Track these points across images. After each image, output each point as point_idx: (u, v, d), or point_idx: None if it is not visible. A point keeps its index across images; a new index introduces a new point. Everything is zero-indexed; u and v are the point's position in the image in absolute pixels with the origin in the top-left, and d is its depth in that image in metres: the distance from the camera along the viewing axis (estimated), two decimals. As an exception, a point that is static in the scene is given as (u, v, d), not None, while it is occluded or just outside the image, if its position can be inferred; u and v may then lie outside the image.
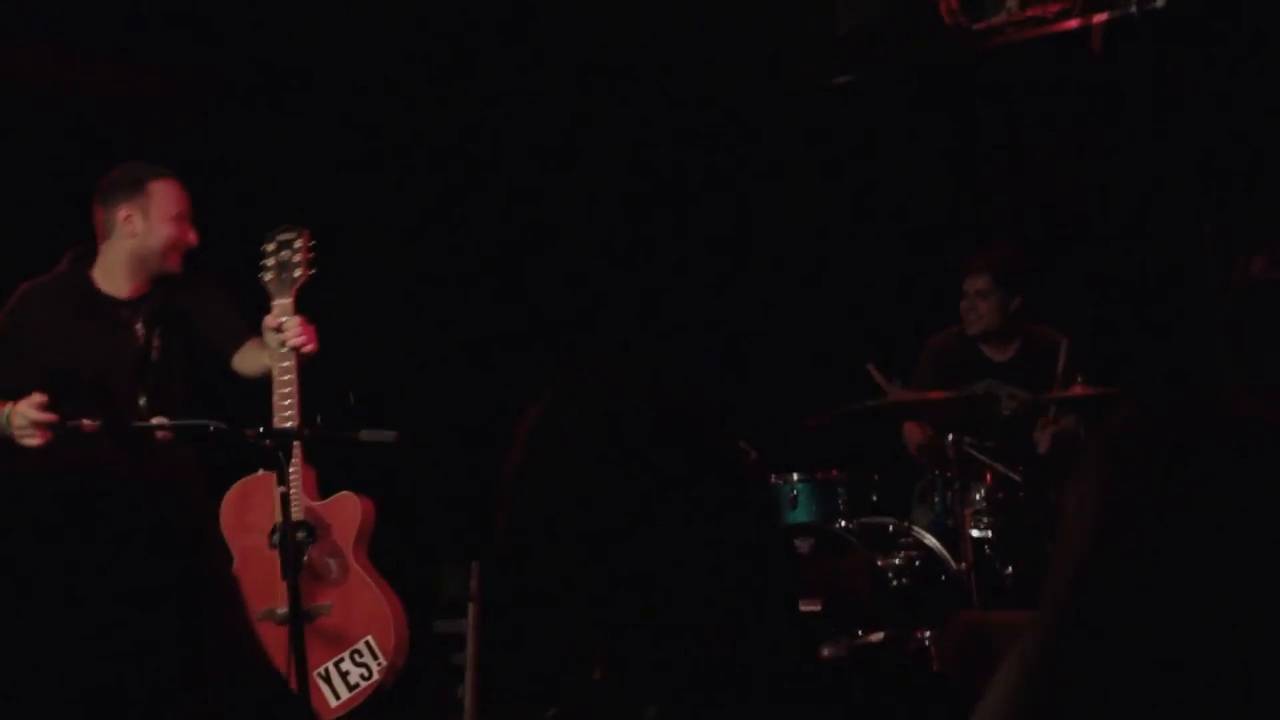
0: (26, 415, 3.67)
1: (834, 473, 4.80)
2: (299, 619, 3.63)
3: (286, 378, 3.76)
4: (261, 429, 3.70)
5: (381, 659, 3.84)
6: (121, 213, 3.89)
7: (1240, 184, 5.06)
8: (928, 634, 4.24)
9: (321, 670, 3.83)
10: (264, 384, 3.83)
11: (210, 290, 4.03)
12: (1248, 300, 4.74)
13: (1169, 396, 0.92)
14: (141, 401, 3.86)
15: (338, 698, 3.86)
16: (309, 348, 3.78)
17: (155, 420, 3.78)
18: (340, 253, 5.09)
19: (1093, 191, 5.50)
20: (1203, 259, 4.84)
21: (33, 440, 3.67)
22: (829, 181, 5.76)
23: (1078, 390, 4.53)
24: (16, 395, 3.72)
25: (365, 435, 3.73)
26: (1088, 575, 0.89)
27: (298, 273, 3.85)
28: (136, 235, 3.89)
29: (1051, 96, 5.50)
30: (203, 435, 3.76)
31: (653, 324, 5.55)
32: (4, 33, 4.76)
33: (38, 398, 3.67)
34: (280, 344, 3.78)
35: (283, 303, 3.84)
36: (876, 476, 4.78)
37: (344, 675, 3.86)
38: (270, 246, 3.89)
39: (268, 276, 3.86)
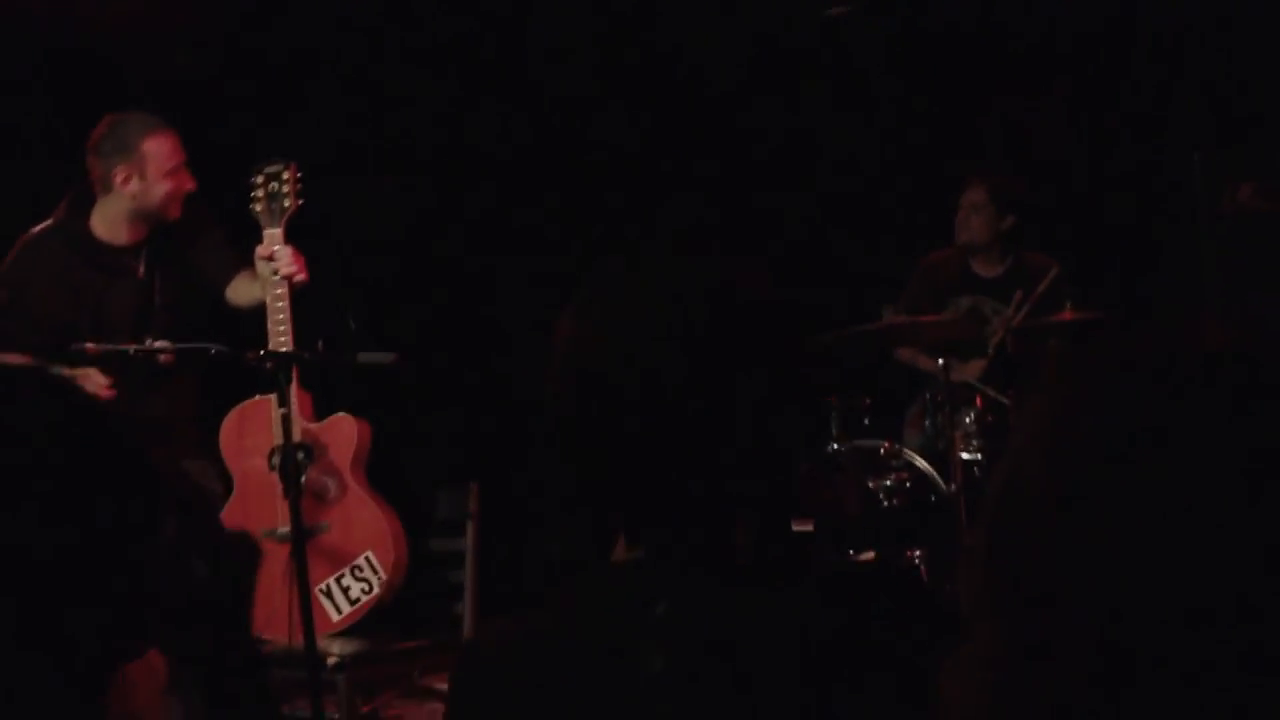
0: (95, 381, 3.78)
1: (827, 397, 4.85)
2: (301, 538, 3.69)
3: (280, 304, 3.83)
4: (262, 351, 3.77)
5: (381, 573, 3.91)
6: (118, 174, 3.93)
7: (1231, 113, 5.11)
8: (918, 553, 4.34)
9: (323, 586, 3.89)
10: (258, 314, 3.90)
11: (204, 225, 4.09)
12: (1234, 228, 4.78)
13: (1136, 321, 0.86)
14: (150, 344, 3.91)
15: (339, 612, 3.94)
16: (300, 277, 3.85)
17: (159, 344, 3.86)
18: (340, 179, 5.13)
19: (1086, 122, 5.55)
20: (1193, 187, 4.87)
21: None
22: (824, 110, 5.79)
23: (1066, 315, 4.60)
24: (31, 347, 3.83)
25: (364, 358, 3.79)
26: (1008, 488, 0.83)
27: (287, 203, 3.92)
28: (135, 196, 3.94)
29: (1045, 26, 5.53)
30: (204, 358, 3.86)
31: (652, 246, 5.58)
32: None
33: (100, 377, 3.79)
34: (273, 273, 3.85)
35: (273, 233, 3.90)
36: (869, 400, 4.83)
37: (345, 590, 3.94)
38: (259, 179, 3.95)
39: (258, 208, 3.92)
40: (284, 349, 3.77)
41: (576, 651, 1.28)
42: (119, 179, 3.93)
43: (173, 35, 5.03)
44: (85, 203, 4.00)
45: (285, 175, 3.94)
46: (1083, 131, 5.61)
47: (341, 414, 4.01)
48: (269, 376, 3.80)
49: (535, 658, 1.30)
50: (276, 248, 3.87)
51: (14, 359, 3.84)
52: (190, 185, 4.00)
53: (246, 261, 3.98)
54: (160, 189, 3.95)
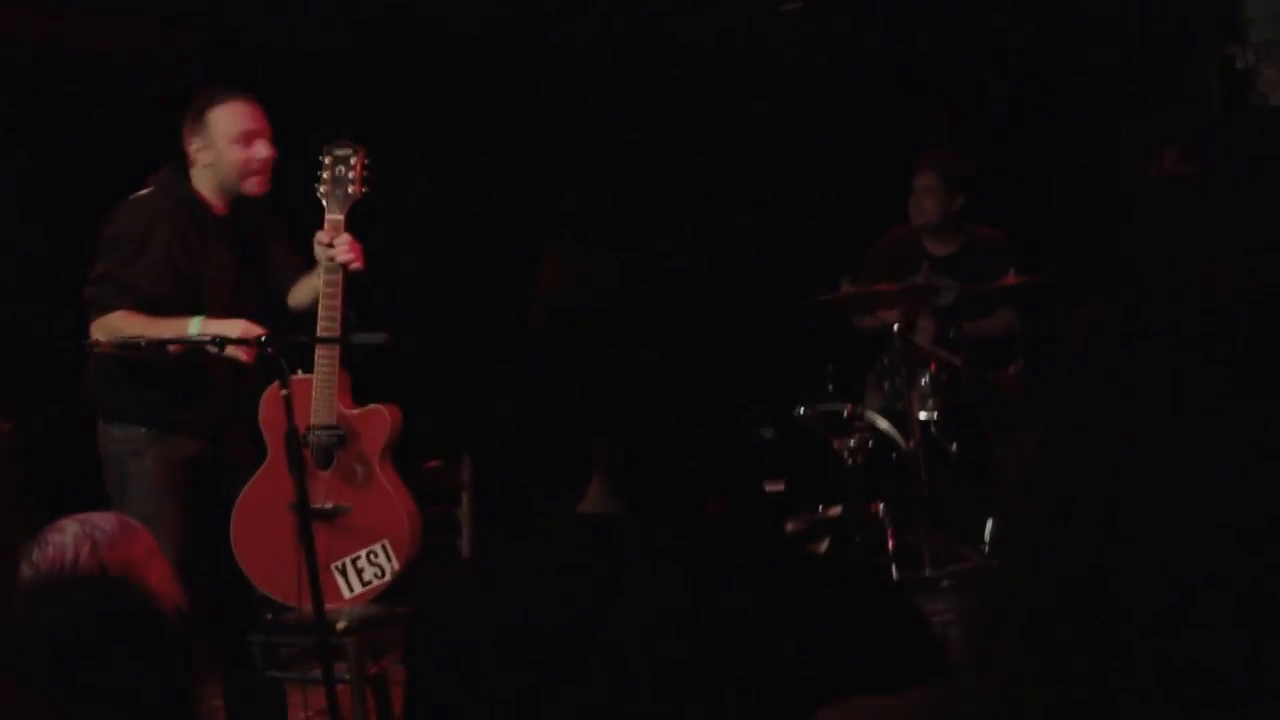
0: (251, 329, 3.72)
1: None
2: (306, 515, 3.75)
3: (331, 290, 3.82)
4: (261, 338, 3.72)
5: (394, 563, 3.97)
6: (193, 145, 3.92)
7: (1156, 86, 5.42)
8: (881, 506, 4.66)
9: (339, 564, 3.96)
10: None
11: (278, 231, 4.11)
12: (1159, 193, 5.06)
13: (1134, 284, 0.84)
14: (252, 309, 3.91)
15: (351, 590, 3.98)
16: (356, 265, 3.85)
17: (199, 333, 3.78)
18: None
19: (1023, 99, 5.85)
20: (1122, 156, 5.15)
21: (241, 355, 3.74)
22: (783, 101, 5.97)
23: (1010, 280, 4.90)
24: (157, 305, 3.81)
25: (357, 338, 3.86)
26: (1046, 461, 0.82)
27: (351, 189, 3.88)
28: (210, 164, 3.92)
29: (981, 15, 5.84)
30: (205, 345, 3.79)
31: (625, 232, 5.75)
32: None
33: (256, 328, 3.73)
34: (329, 259, 3.85)
35: (335, 219, 3.87)
36: (831, 366, 5.03)
37: (359, 572, 3.98)
38: (327, 160, 3.90)
39: (322, 190, 3.89)
40: (329, 333, 3.80)
41: (540, 604, 1.25)
42: (194, 149, 3.92)
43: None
44: (183, 170, 3.98)
45: (353, 160, 3.90)
46: (1023, 103, 5.89)
47: (378, 405, 4.02)
48: (272, 360, 3.95)
49: (493, 609, 1.27)
50: (336, 236, 3.84)
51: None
52: (264, 154, 3.92)
53: (308, 267, 3.98)
54: (229, 157, 3.89)
